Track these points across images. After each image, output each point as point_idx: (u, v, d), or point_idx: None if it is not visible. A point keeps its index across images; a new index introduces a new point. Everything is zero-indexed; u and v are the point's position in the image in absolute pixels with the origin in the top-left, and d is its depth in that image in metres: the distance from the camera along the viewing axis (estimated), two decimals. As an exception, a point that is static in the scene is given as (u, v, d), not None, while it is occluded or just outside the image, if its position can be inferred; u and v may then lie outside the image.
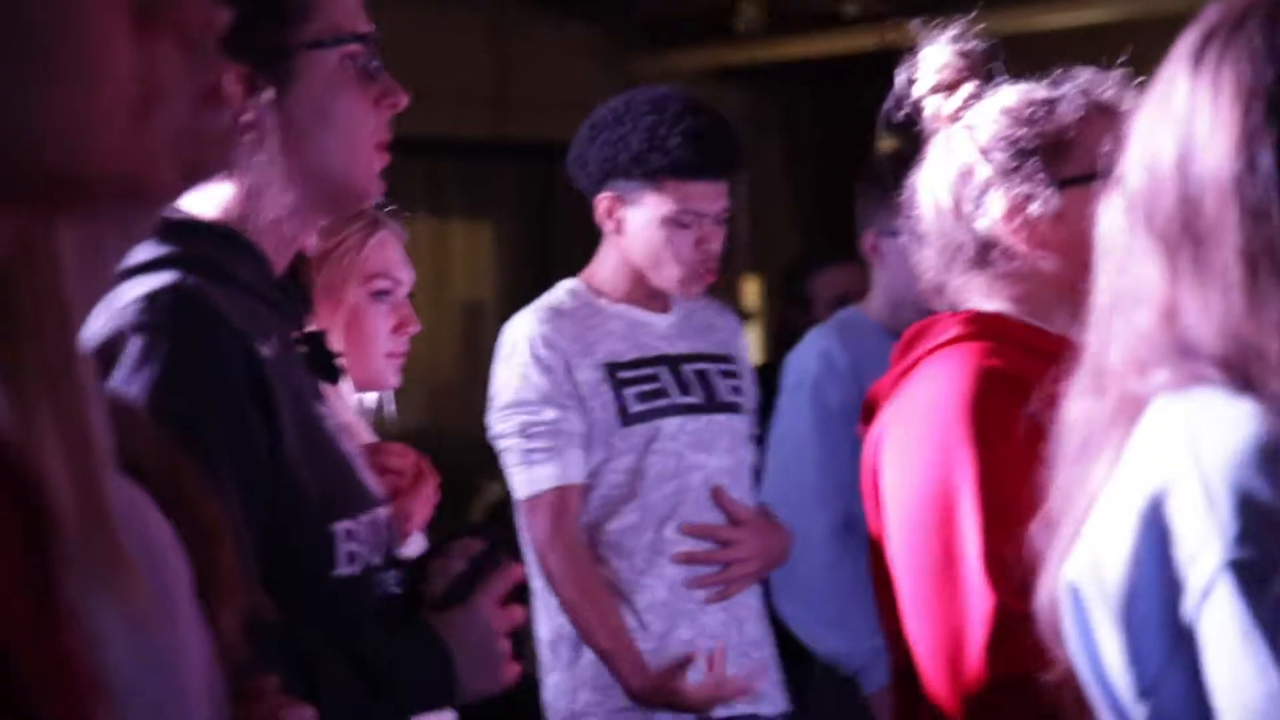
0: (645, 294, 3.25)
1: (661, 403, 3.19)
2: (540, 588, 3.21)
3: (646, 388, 3.19)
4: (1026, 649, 1.36)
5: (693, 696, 3.08)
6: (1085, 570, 1.25)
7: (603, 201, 3.21)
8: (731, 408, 3.27)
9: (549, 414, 3.13)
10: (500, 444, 3.18)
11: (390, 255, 2.67)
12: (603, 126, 3.21)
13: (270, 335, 1.81)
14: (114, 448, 0.90)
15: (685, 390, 3.22)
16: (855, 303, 4.01)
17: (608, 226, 3.22)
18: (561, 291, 3.25)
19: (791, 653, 3.78)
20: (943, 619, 1.96)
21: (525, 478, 3.15)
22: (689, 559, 3.17)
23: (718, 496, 3.20)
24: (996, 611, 1.91)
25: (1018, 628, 1.46)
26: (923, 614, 1.99)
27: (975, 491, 1.94)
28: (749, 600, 3.25)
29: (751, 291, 8.23)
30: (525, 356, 3.14)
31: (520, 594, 1.97)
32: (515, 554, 1.98)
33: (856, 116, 8.27)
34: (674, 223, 3.17)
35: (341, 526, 1.83)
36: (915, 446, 2.02)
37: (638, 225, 3.19)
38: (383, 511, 1.92)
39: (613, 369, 3.18)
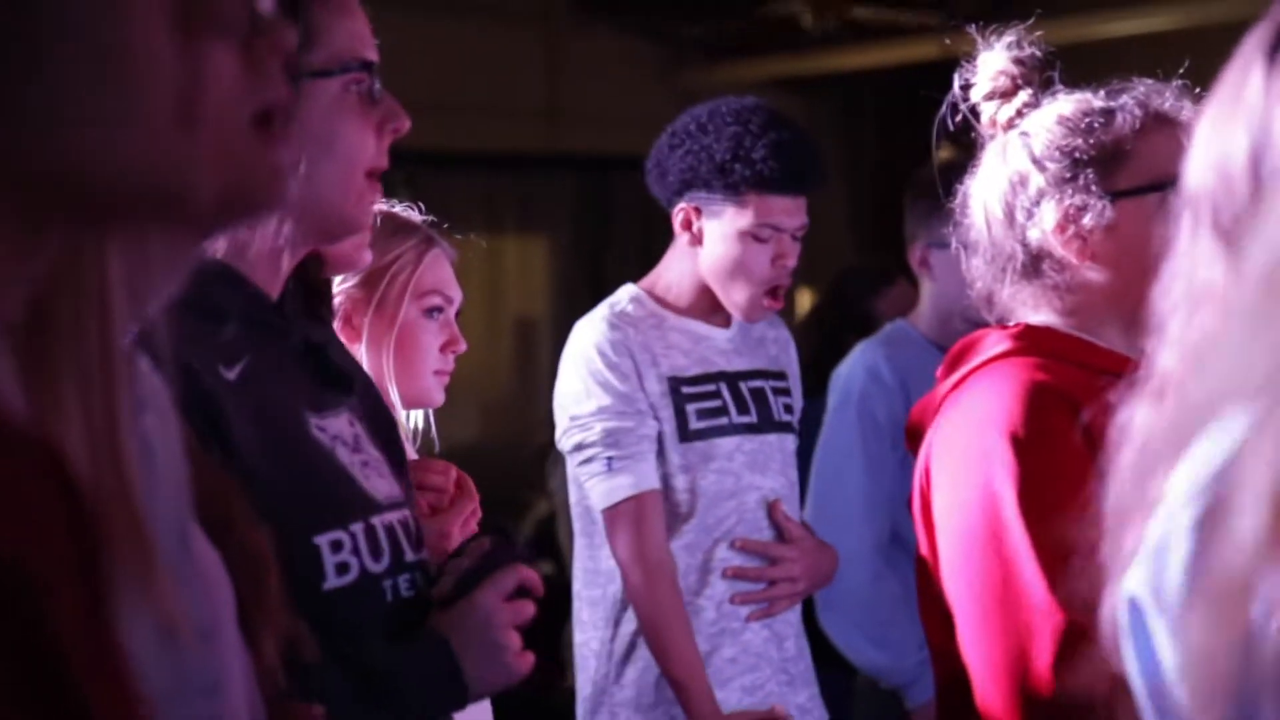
0: (708, 307, 3.21)
1: (721, 421, 3.16)
2: (595, 595, 3.18)
3: (707, 405, 3.16)
4: (1094, 667, 1.33)
5: None
6: (1144, 582, 1.22)
7: (681, 212, 3.17)
8: (784, 427, 3.25)
9: (630, 421, 3.09)
10: (580, 455, 3.11)
11: (443, 274, 2.67)
12: (685, 135, 3.18)
13: (240, 358, 1.81)
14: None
15: (743, 409, 3.19)
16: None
17: (685, 238, 3.18)
18: (625, 298, 3.21)
19: (834, 665, 3.77)
20: (1005, 639, 1.94)
21: (608, 487, 3.09)
22: (738, 574, 3.15)
23: (774, 511, 3.18)
24: (1064, 629, 1.88)
25: (1085, 645, 1.43)
26: (983, 634, 1.96)
27: (1026, 510, 1.92)
28: (789, 617, 3.23)
29: (805, 303, 8.21)
30: (600, 364, 3.10)
31: (529, 592, 1.95)
32: (527, 553, 1.98)
33: (915, 127, 8.27)
34: (752, 236, 3.13)
35: (326, 539, 1.83)
36: (965, 466, 2.00)
37: (715, 237, 3.15)
38: (391, 516, 1.92)
39: (675, 383, 3.15)
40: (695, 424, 3.13)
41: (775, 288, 3.17)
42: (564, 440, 3.13)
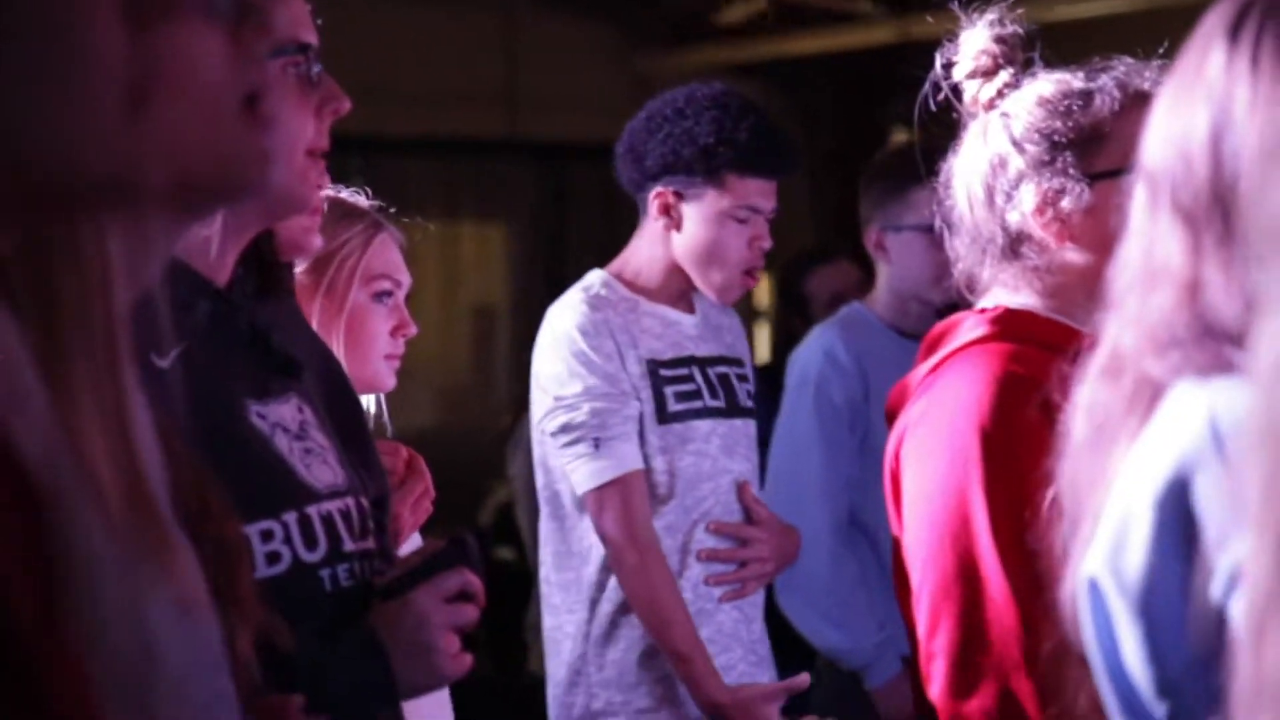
0: (676, 293, 3.23)
1: (696, 404, 3.19)
2: (568, 579, 3.18)
3: (683, 388, 3.19)
4: (1047, 654, 1.33)
5: None
6: (1103, 563, 1.23)
7: (659, 196, 3.18)
8: (748, 413, 3.28)
9: (615, 402, 3.11)
10: (566, 436, 3.12)
11: (391, 257, 2.66)
12: (663, 119, 3.19)
13: (174, 346, 1.77)
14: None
15: (714, 394, 3.23)
16: (851, 300, 4.00)
17: (661, 222, 3.19)
18: (596, 282, 3.22)
19: (794, 648, 3.78)
20: (959, 630, 1.96)
21: (595, 467, 3.10)
22: (712, 556, 3.18)
23: (744, 494, 3.22)
24: (1020, 619, 1.91)
25: (1039, 634, 1.43)
26: (938, 622, 1.99)
27: (991, 504, 1.94)
28: (756, 599, 3.27)
29: (763, 290, 8.21)
30: (583, 345, 3.11)
31: (474, 597, 1.93)
32: (477, 557, 1.97)
33: (870, 111, 8.27)
34: (732, 219, 3.17)
35: (256, 528, 1.83)
36: (933, 456, 2.01)
37: (695, 220, 3.18)
38: (330, 505, 1.91)
39: (654, 365, 3.17)
40: (673, 406, 3.16)
41: (751, 268, 3.21)
42: (548, 422, 3.13)
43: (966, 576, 1.96)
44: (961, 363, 2.04)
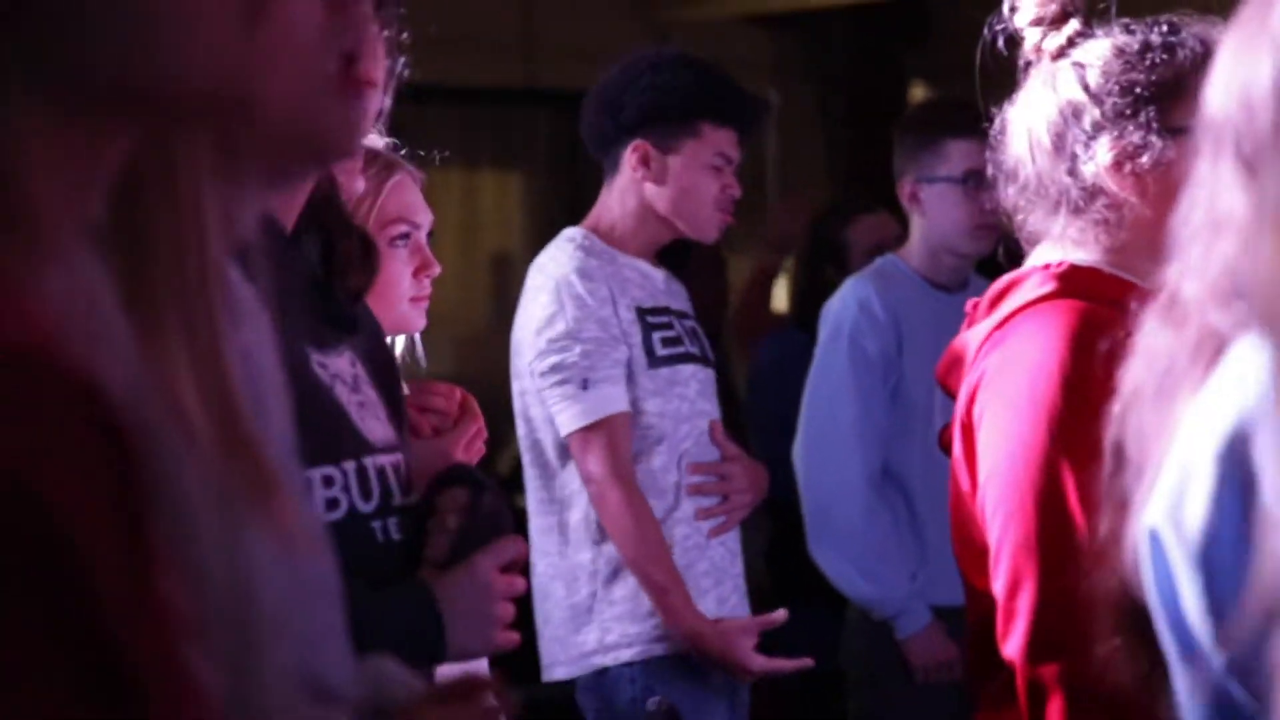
0: (650, 246, 3.34)
1: (679, 349, 3.30)
2: (549, 524, 3.24)
3: (667, 334, 3.30)
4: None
5: (753, 662, 3.14)
6: (1164, 514, 1.22)
7: (638, 149, 3.24)
8: (711, 363, 3.41)
9: (606, 345, 3.19)
10: (554, 376, 3.19)
11: (407, 199, 2.63)
12: (640, 72, 3.29)
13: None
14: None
15: (691, 341, 3.35)
16: (887, 252, 4.01)
17: (638, 174, 3.25)
18: (579, 235, 3.28)
19: (826, 596, 3.81)
20: (1044, 584, 1.92)
21: (582, 408, 3.18)
22: (698, 490, 3.29)
23: (715, 431, 3.34)
24: (1098, 585, 1.88)
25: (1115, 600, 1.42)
26: (1023, 574, 1.94)
27: (1078, 461, 1.89)
28: (736, 534, 3.41)
29: (781, 240, 8.19)
30: (580, 288, 3.19)
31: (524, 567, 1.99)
32: (505, 509, 2.00)
33: (884, 63, 8.22)
34: (710, 167, 3.28)
35: (319, 473, 1.84)
36: (1012, 410, 1.97)
37: (675, 170, 3.28)
38: (384, 459, 1.93)
39: (641, 312, 3.27)
40: (661, 350, 3.27)
41: (726, 209, 3.35)
42: (538, 363, 3.20)
43: (1053, 536, 1.91)
44: (1034, 319, 2.00)
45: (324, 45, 0.87)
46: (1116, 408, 1.31)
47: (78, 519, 0.73)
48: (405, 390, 2.19)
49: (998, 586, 1.97)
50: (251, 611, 0.89)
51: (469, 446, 2.37)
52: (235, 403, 0.85)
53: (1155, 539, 1.23)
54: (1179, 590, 1.22)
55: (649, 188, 3.28)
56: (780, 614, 3.23)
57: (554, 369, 3.18)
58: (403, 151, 2.66)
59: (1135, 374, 1.30)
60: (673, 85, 3.27)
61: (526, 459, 3.30)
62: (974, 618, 2.06)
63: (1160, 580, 1.24)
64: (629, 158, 3.27)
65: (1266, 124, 1.21)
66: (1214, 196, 1.25)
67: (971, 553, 2.04)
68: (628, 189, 3.30)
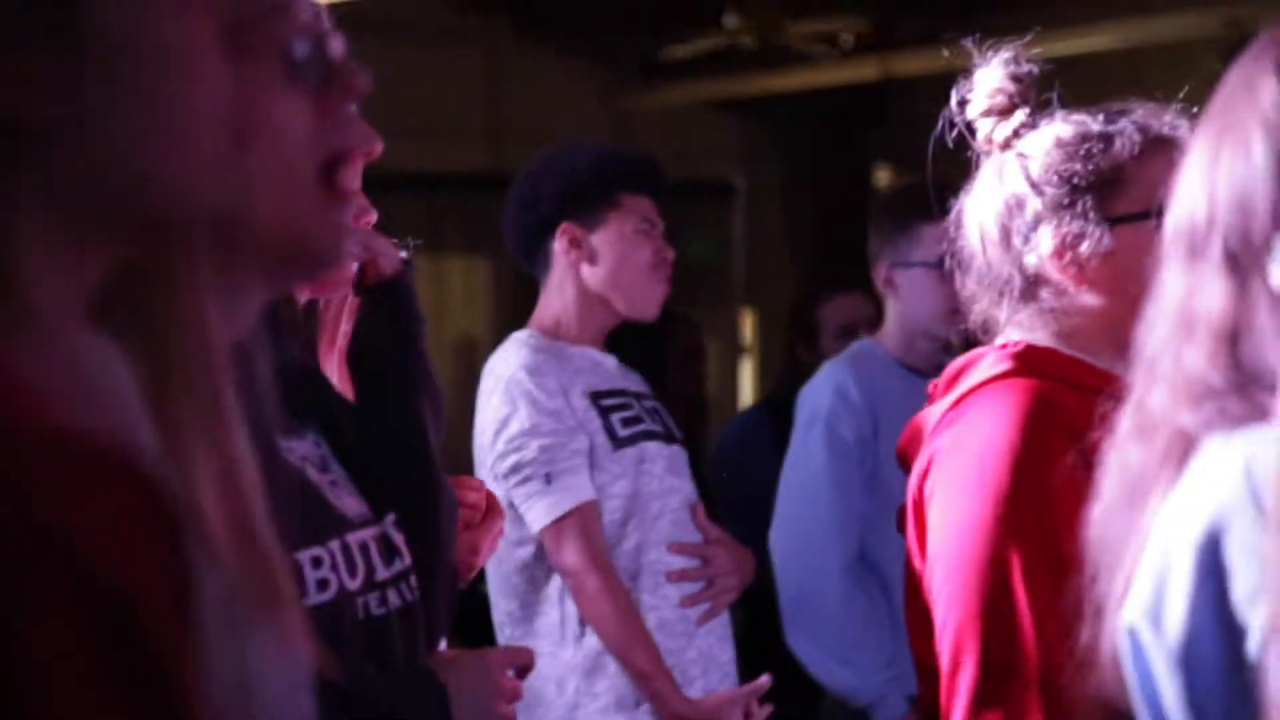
0: (598, 333, 3.35)
1: (641, 428, 3.29)
2: (549, 621, 3.22)
3: (627, 414, 3.29)
4: (1069, 702, 1.32)
5: None
6: (1142, 613, 1.21)
7: (564, 233, 3.29)
8: (679, 441, 3.39)
9: (563, 437, 3.18)
10: (516, 476, 3.18)
11: None
12: (547, 165, 3.36)
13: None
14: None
15: (653, 419, 3.34)
16: (862, 332, 4.01)
17: (570, 258, 3.30)
18: (523, 336, 3.31)
19: (803, 686, 3.80)
20: (983, 661, 1.93)
21: (549, 501, 3.17)
22: (683, 576, 3.26)
23: (695, 513, 3.32)
24: (1041, 663, 1.88)
25: (1060, 679, 1.42)
26: (961, 659, 1.96)
27: (1024, 540, 1.91)
28: (724, 619, 3.36)
29: (747, 325, 8.23)
30: (529, 384, 3.19)
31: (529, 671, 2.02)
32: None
33: (850, 148, 8.28)
34: (638, 232, 3.33)
35: (307, 554, 1.85)
36: (965, 486, 1.98)
37: (606, 244, 3.32)
38: (364, 534, 1.94)
39: (595, 396, 3.26)
40: (622, 431, 3.26)
41: (663, 275, 3.35)
42: (499, 465, 3.19)
43: (993, 614, 1.93)
44: (987, 397, 2.02)
45: (311, 154, 0.87)
46: (1090, 519, 1.30)
47: (149, 606, 0.73)
48: None
49: (942, 663, 1.98)
50: (249, 703, 0.88)
51: (491, 541, 2.39)
52: (251, 509, 0.85)
53: (1135, 638, 1.23)
54: (1159, 689, 1.21)
55: (584, 269, 3.30)
56: (764, 680, 3.20)
57: (514, 469, 3.18)
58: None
59: (1107, 486, 1.29)
60: (583, 165, 3.33)
61: (496, 575, 3.29)
62: (925, 693, 2.07)
63: (1141, 679, 1.23)
64: (558, 245, 3.30)
65: (1264, 213, 1.20)
66: (1188, 297, 1.24)
67: (922, 627, 2.04)
68: (564, 278, 3.32)
